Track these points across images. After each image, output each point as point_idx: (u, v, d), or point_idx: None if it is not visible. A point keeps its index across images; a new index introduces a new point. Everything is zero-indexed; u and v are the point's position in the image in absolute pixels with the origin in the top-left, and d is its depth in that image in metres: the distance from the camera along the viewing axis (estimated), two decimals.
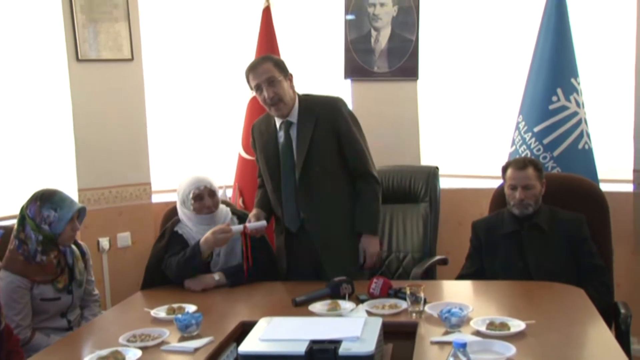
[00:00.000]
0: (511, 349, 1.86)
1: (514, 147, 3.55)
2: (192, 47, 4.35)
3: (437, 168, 3.44)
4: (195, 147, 4.42)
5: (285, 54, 3.87)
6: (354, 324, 1.99)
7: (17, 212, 2.63)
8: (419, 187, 3.39)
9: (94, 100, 3.80)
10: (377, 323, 1.99)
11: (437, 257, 3.24)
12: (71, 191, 3.70)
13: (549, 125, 3.42)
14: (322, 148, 2.79)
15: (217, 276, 2.76)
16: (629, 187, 3.56)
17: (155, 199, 4.08)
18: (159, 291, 2.76)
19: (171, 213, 3.05)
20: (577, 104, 3.42)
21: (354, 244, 2.86)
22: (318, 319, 2.25)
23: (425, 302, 2.27)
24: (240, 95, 4.10)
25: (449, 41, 4.19)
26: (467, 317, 2.12)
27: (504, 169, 2.88)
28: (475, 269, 2.87)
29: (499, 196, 3.02)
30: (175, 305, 2.44)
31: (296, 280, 2.84)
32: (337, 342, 1.84)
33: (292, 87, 2.82)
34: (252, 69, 2.78)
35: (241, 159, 4.02)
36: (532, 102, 3.49)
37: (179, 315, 2.21)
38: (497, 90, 4.08)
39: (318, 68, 4.36)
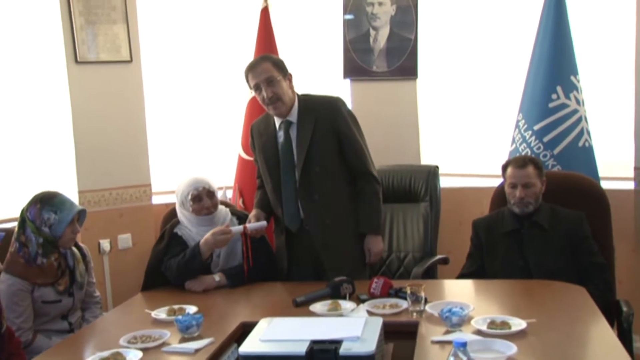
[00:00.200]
0: (512, 348, 1.86)
1: (514, 145, 3.55)
2: (190, 48, 4.35)
3: (437, 167, 3.43)
4: (195, 148, 4.42)
5: (284, 54, 3.87)
6: (354, 324, 1.99)
7: (17, 214, 2.63)
8: (419, 186, 3.39)
9: (93, 102, 3.80)
10: (378, 323, 1.99)
11: (438, 257, 3.24)
12: (71, 193, 3.70)
13: (549, 123, 3.41)
14: (322, 148, 2.79)
15: (217, 277, 2.76)
16: (629, 185, 3.56)
17: (156, 200, 4.08)
18: (159, 292, 2.76)
19: (171, 214, 3.05)
20: (577, 102, 3.41)
21: (355, 243, 2.86)
22: (318, 319, 2.25)
23: (425, 302, 2.27)
24: (240, 96, 4.10)
25: (448, 40, 4.19)
26: (467, 317, 2.12)
27: (504, 168, 2.88)
28: (476, 268, 2.87)
29: (499, 195, 3.02)
30: (175, 307, 2.44)
31: (297, 280, 2.84)
32: (337, 342, 1.84)
33: (291, 86, 2.82)
34: (251, 69, 2.78)
35: (241, 159, 4.02)
36: (531, 100, 3.49)
37: (180, 317, 2.21)
38: (496, 89, 4.08)
39: (317, 68, 4.36)
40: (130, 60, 3.89)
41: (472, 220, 2.97)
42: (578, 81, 3.43)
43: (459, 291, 2.64)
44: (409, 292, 2.27)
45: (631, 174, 3.55)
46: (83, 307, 2.77)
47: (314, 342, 1.85)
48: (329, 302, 2.39)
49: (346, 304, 2.36)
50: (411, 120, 4.13)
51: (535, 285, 2.57)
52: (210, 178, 2.92)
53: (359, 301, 2.41)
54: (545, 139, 3.41)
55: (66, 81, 3.73)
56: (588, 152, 3.43)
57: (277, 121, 2.85)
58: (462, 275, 2.88)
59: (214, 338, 2.13)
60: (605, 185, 3.16)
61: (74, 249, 2.71)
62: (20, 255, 2.54)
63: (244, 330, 2.20)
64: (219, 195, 3.04)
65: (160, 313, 2.41)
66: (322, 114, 2.81)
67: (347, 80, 4.23)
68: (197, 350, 2.05)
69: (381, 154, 3.27)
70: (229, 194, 4.20)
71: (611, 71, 3.74)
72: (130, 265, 3.87)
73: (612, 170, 3.66)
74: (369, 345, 1.82)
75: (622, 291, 2.96)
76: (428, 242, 3.28)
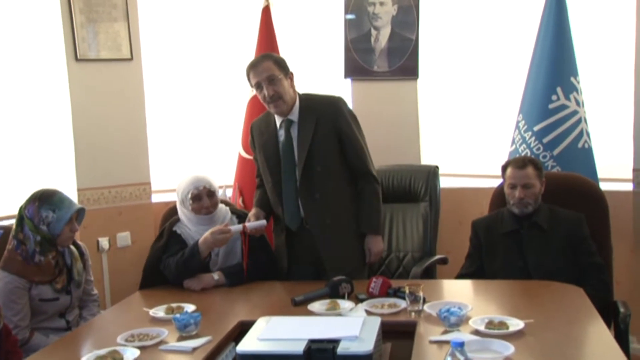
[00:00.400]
0: (510, 348, 1.86)
1: (513, 146, 3.55)
2: (191, 47, 4.35)
3: (437, 167, 3.43)
4: (195, 146, 4.42)
5: (285, 54, 3.86)
6: (352, 323, 1.99)
7: (16, 212, 2.62)
8: (419, 186, 3.39)
9: (93, 100, 3.80)
10: (376, 322, 1.99)
11: (437, 257, 3.23)
12: (71, 191, 3.70)
13: (549, 124, 3.41)
14: (324, 147, 2.79)
15: (216, 276, 2.76)
16: (628, 186, 3.56)
17: (155, 198, 4.08)
18: (157, 291, 2.76)
19: (170, 212, 3.05)
20: (577, 103, 3.41)
21: (355, 242, 2.86)
22: (316, 319, 2.24)
23: (424, 302, 2.27)
24: (240, 95, 4.10)
25: (448, 40, 4.19)
26: (466, 316, 2.12)
27: (504, 168, 2.88)
28: (475, 268, 2.87)
29: (498, 195, 3.02)
30: (174, 305, 2.44)
31: (296, 279, 2.84)
32: (335, 342, 1.84)
33: (292, 85, 2.82)
34: (252, 67, 2.78)
35: (241, 158, 4.02)
36: (531, 101, 3.49)
37: (178, 315, 2.20)
38: (497, 89, 4.08)
39: (318, 68, 4.36)
40: (131, 58, 3.89)
41: (471, 221, 2.97)
42: (578, 82, 3.43)
43: (457, 291, 2.63)
44: (407, 291, 2.27)
45: (630, 175, 3.55)
46: (80, 305, 2.77)
47: (312, 341, 1.85)
48: (327, 301, 2.39)
49: (345, 304, 2.36)
50: (412, 120, 4.13)
51: (533, 286, 2.57)
52: (211, 177, 2.92)
53: (358, 300, 2.41)
54: (545, 140, 3.41)
55: (66, 79, 3.73)
56: (587, 153, 3.43)
57: (278, 120, 2.85)
58: (461, 276, 2.88)
59: (212, 337, 2.13)
60: (604, 186, 3.16)
61: (72, 247, 2.71)
62: (18, 253, 2.54)
63: (242, 329, 2.20)
64: (219, 193, 3.04)
65: (158, 311, 2.40)
66: (324, 114, 2.81)
67: (348, 80, 4.23)
68: (194, 349, 2.05)
69: (381, 154, 3.27)
70: (229, 192, 4.20)
71: (611, 73, 3.74)
72: (129, 264, 3.87)
73: (611, 171, 3.66)
74: (367, 345, 1.82)
75: (620, 292, 2.96)
76: (427, 242, 3.28)
